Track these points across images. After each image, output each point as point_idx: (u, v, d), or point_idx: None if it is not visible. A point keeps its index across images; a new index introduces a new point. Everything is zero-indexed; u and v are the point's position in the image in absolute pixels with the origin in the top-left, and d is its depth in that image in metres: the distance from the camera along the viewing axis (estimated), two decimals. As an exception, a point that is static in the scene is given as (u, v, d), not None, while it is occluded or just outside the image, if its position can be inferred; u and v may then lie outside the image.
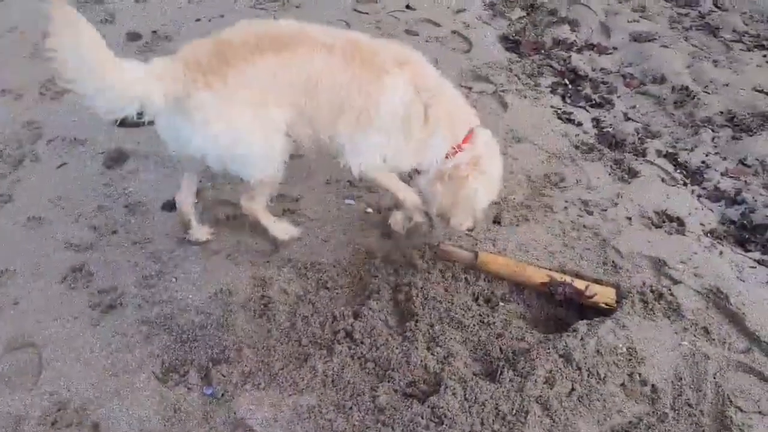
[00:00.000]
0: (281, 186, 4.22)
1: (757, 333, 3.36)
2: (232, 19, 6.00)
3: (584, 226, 3.98)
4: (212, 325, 3.37)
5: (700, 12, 6.43)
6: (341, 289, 3.61)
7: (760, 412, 3.07)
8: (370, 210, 4.12)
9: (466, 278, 3.63)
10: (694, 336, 3.36)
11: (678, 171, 4.54)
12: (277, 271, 3.68)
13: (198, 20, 6.12)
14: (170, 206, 4.07)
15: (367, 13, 6.33)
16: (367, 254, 3.80)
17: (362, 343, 3.26)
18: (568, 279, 3.54)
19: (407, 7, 6.50)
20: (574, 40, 6.07)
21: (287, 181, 4.27)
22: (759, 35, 5.98)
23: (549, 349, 3.19)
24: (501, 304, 3.56)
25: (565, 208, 4.14)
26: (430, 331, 3.31)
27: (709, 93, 5.22)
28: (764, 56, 5.70)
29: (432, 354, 3.20)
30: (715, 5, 6.52)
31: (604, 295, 3.50)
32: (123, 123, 4.73)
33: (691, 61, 5.62)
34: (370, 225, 4.01)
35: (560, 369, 3.12)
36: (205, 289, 3.58)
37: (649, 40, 5.93)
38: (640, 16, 6.35)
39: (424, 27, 6.19)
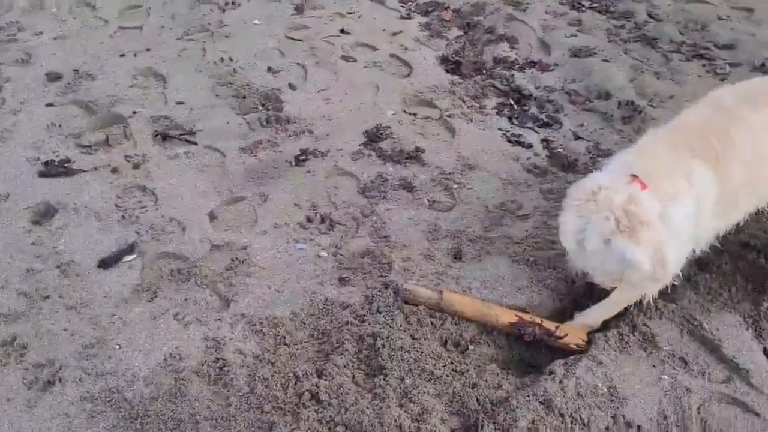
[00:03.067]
0: (227, 233, 3.98)
1: (735, 359, 3.26)
2: (160, 53, 5.79)
3: (548, 258, 3.83)
4: (164, 396, 3.06)
5: (635, 23, 6.41)
6: (301, 344, 3.35)
7: (748, 446, 2.96)
8: (324, 254, 3.87)
9: (432, 322, 3.42)
10: (673, 368, 3.24)
11: (634, 189, 4.44)
12: (231, 330, 3.40)
13: (122, 55, 5.78)
14: (106, 263, 3.76)
15: (300, 40, 6.08)
16: (325, 303, 3.55)
17: (330, 405, 2.99)
18: (537, 319, 3.38)
19: (341, 31, 6.29)
20: (515, 58, 5.97)
21: (232, 228, 4.04)
22: (696, 44, 5.99)
23: (528, 396, 3.01)
24: (471, 347, 3.37)
25: (527, 237, 3.98)
26: (401, 385, 3.08)
27: (654, 106, 5.16)
28: (703, 65, 5.71)
29: (406, 411, 2.96)
30: (650, 16, 6.52)
31: (574, 335, 3.35)
32: (46, 173, 4.41)
33: (633, 75, 5.57)
34: (324, 271, 3.76)
35: (542, 417, 2.93)
36: (152, 355, 3.27)
37: (590, 55, 5.86)
38: (578, 30, 6.30)
39: (361, 52, 5.98)
